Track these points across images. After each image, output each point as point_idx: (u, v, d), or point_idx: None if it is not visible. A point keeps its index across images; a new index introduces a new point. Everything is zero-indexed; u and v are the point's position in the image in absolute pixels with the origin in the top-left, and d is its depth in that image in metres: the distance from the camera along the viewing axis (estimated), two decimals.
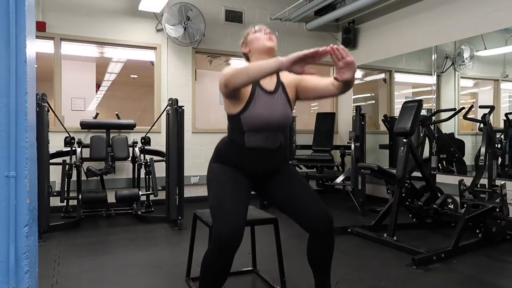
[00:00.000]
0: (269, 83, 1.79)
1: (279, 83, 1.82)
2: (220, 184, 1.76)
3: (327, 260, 1.82)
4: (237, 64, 4.66)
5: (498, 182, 3.38)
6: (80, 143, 4.42)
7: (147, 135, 4.79)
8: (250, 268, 2.62)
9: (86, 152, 4.46)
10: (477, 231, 3.24)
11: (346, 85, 1.62)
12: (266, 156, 1.81)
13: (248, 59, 1.89)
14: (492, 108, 3.53)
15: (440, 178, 4.14)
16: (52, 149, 4.07)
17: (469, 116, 3.77)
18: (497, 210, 3.22)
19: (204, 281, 1.71)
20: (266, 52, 1.80)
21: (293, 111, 1.93)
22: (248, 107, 1.72)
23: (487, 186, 3.38)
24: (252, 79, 1.55)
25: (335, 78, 1.53)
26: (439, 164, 4.31)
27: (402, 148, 3.55)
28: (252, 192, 1.90)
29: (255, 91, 1.74)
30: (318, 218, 1.74)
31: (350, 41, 5.81)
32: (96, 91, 8.22)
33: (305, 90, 1.82)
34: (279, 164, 1.89)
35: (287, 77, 1.84)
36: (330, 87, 1.69)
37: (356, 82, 6.06)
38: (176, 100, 3.95)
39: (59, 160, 4.21)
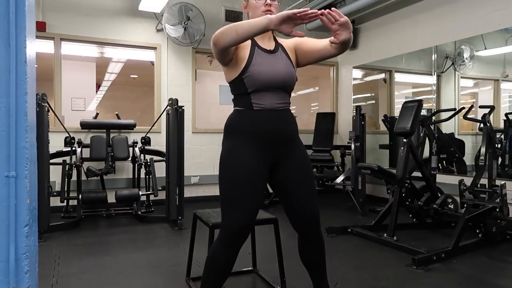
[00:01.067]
0: (267, 44, 1.73)
1: (278, 45, 1.76)
2: (236, 172, 1.63)
3: (319, 260, 1.82)
4: None
5: (498, 182, 3.38)
6: (80, 143, 4.42)
7: (147, 135, 4.79)
8: (250, 268, 2.62)
9: (86, 152, 4.46)
10: (477, 231, 3.24)
11: (344, 45, 1.59)
12: (276, 117, 1.68)
13: (247, 16, 1.82)
14: (492, 108, 3.53)
15: (440, 178, 4.14)
16: (52, 149, 4.07)
17: (469, 116, 3.77)
18: (497, 210, 3.22)
19: (207, 275, 1.70)
20: None
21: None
22: (249, 66, 1.63)
23: (487, 186, 3.38)
24: (240, 36, 1.49)
25: (333, 42, 1.52)
26: (439, 164, 4.30)
27: (402, 148, 3.55)
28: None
29: (254, 51, 1.67)
30: (303, 220, 1.75)
31: None
32: (96, 91, 8.21)
33: (304, 54, 1.78)
34: (293, 128, 1.75)
35: (285, 42, 1.81)
36: (329, 47, 1.66)
37: (356, 82, 6.08)
38: (176, 100, 3.95)
39: (59, 160, 4.21)
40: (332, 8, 1.44)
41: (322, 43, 1.71)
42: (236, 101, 1.73)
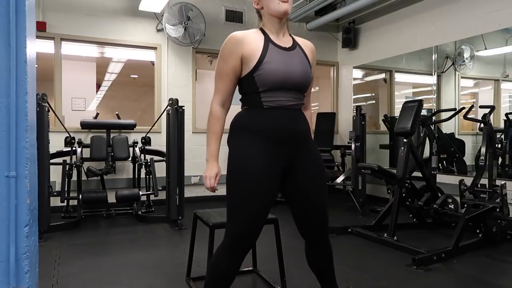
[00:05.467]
0: (283, 41, 1.60)
1: (296, 43, 1.64)
2: (245, 176, 1.52)
3: (328, 265, 1.78)
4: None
5: (499, 182, 3.38)
6: (80, 143, 4.42)
7: (147, 135, 4.79)
8: (250, 268, 2.62)
9: (86, 152, 4.46)
10: (478, 231, 3.24)
11: None
12: (288, 116, 1.57)
13: (260, 16, 1.64)
14: (492, 108, 3.53)
15: (440, 178, 4.14)
16: (52, 149, 4.07)
17: (469, 116, 3.77)
18: (498, 210, 3.22)
19: (208, 281, 1.62)
20: (279, 15, 1.57)
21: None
22: (262, 64, 1.50)
23: (487, 186, 3.37)
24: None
25: None
26: (440, 164, 4.30)
27: (402, 148, 3.55)
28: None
29: (268, 47, 1.54)
30: (313, 227, 1.70)
31: (351, 41, 5.80)
32: (97, 91, 8.22)
33: None
34: (306, 129, 1.65)
35: (303, 42, 1.69)
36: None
37: (356, 82, 6.09)
38: (177, 100, 3.95)
39: (60, 160, 4.21)
40: None
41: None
42: (245, 100, 1.62)
